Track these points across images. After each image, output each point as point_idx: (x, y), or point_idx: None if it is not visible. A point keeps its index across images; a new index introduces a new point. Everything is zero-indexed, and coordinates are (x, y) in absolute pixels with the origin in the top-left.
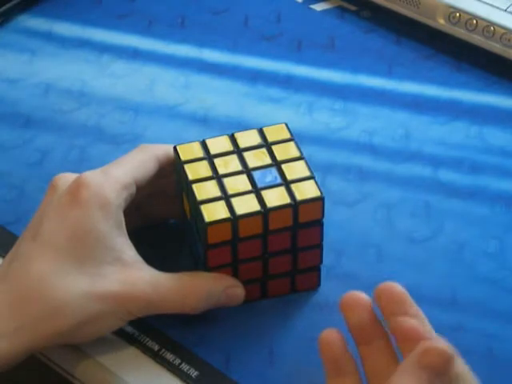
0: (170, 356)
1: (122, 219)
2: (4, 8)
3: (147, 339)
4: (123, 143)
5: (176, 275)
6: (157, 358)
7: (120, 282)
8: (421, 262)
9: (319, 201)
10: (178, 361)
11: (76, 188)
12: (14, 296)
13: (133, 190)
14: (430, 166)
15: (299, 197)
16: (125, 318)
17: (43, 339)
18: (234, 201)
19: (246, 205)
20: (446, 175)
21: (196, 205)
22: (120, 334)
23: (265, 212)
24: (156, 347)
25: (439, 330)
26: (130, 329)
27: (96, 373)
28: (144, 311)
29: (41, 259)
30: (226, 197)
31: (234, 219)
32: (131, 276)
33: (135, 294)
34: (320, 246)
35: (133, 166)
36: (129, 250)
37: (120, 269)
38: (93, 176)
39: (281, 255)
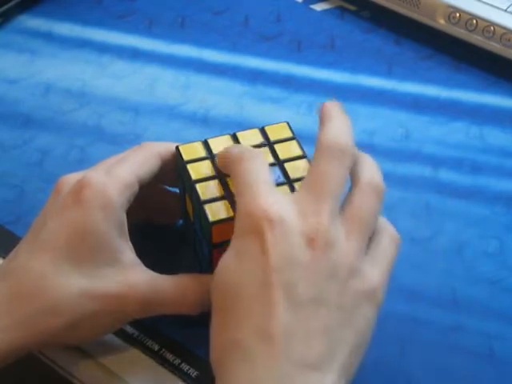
0: (169, 356)
1: (125, 220)
2: (4, 8)
3: (147, 339)
4: (123, 143)
5: (175, 277)
6: (157, 357)
7: (117, 284)
8: (421, 262)
9: None
10: (178, 361)
11: (79, 189)
12: (11, 293)
13: (136, 188)
14: (429, 166)
15: None
16: (121, 319)
17: (38, 337)
18: None
19: None
20: (446, 175)
21: (200, 204)
22: (120, 334)
23: None
24: (156, 347)
25: (439, 329)
26: (130, 329)
27: (96, 373)
28: (141, 313)
29: (40, 258)
30: (229, 196)
31: None
32: (129, 278)
33: (133, 296)
34: None
35: (136, 165)
36: (128, 252)
37: (118, 270)
38: (96, 176)
39: None
